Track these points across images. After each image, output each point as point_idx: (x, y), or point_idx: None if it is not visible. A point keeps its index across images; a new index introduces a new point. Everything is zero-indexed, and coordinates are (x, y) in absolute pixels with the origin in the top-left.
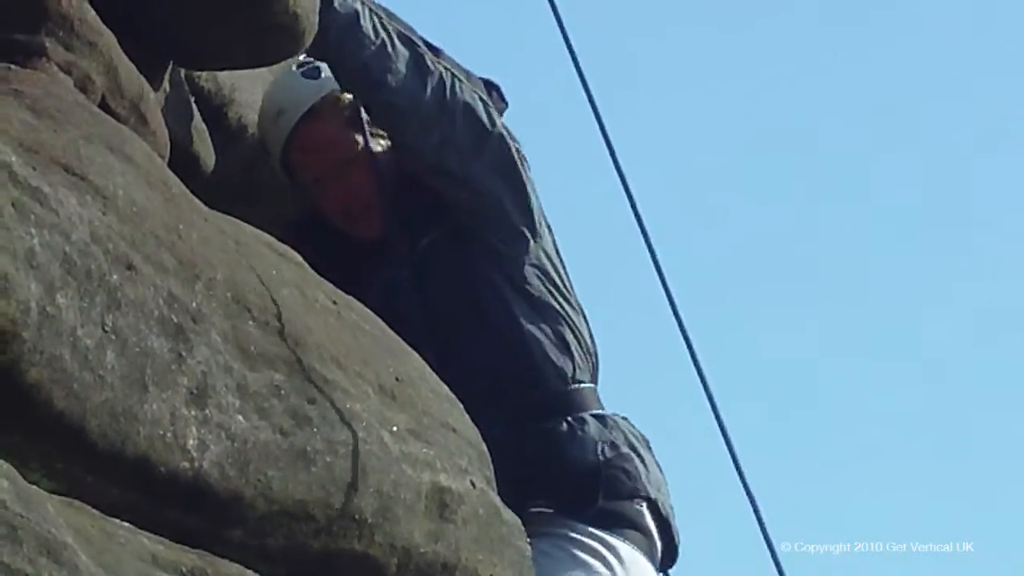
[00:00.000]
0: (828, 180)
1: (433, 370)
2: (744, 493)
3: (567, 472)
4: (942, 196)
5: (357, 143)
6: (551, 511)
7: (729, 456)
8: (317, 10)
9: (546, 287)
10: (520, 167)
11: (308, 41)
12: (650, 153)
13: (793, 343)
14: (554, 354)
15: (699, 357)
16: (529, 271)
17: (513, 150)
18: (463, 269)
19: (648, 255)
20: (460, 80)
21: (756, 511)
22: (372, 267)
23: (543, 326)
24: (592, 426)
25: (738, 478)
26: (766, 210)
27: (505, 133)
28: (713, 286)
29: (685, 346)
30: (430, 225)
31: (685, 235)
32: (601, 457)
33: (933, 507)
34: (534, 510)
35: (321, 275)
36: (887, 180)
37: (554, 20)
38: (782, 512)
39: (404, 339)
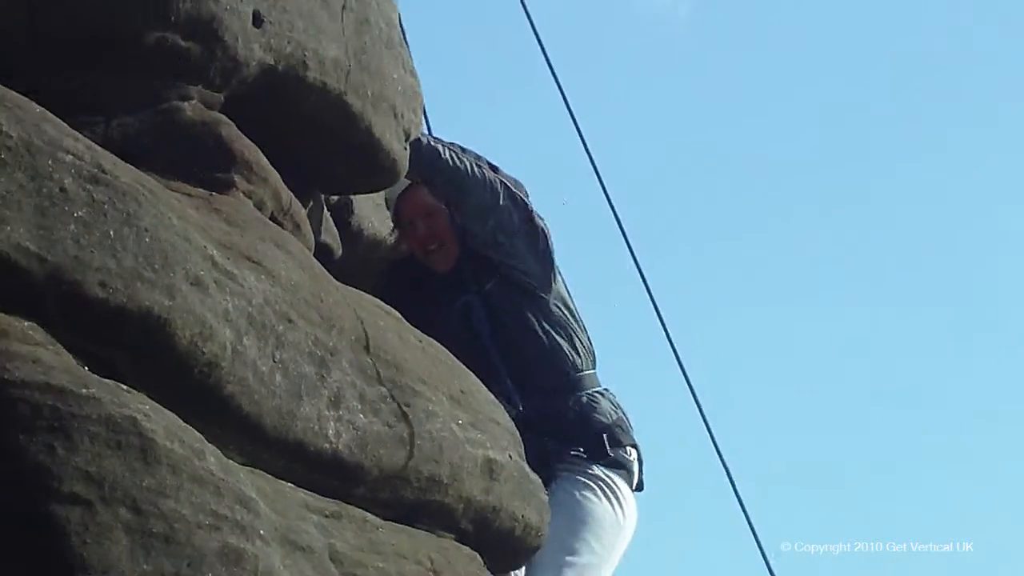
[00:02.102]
0: None
1: (499, 367)
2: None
3: (592, 430)
4: None
5: (437, 203)
6: (585, 456)
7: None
8: (408, 155)
9: (563, 313)
10: (546, 240)
11: (402, 175)
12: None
13: (802, 349)
14: (571, 354)
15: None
16: (552, 304)
17: (540, 229)
18: (514, 304)
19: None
20: (509, 187)
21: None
22: (452, 291)
23: (563, 338)
24: (603, 399)
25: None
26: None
27: (537, 218)
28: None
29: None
30: (490, 273)
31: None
32: (611, 419)
33: (933, 507)
34: (573, 454)
35: (405, 309)
36: None
37: None
38: (782, 512)
39: (477, 346)
